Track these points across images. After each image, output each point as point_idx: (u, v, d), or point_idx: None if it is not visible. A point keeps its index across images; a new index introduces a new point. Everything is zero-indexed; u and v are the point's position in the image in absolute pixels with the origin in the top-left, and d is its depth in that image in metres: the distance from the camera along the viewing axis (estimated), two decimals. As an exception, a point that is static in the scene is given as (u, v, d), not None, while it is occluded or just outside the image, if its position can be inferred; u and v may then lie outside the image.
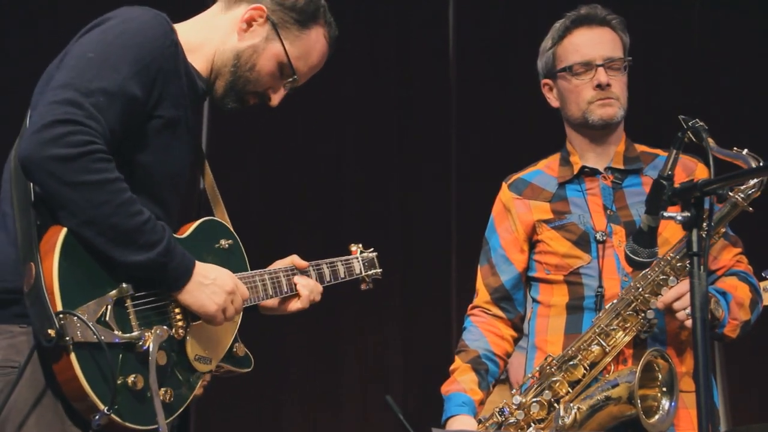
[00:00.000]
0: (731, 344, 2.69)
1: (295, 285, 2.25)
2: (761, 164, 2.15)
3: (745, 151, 2.20)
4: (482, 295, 2.61)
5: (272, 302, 2.26)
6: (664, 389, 2.29)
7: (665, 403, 2.28)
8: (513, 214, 2.58)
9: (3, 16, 4.43)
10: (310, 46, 2.15)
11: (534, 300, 2.58)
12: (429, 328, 4.68)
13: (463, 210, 4.77)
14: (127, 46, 1.88)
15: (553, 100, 2.60)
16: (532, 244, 2.56)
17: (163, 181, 1.99)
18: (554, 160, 2.62)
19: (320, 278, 2.32)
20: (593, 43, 2.50)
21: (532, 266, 2.57)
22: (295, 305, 2.27)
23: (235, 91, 2.11)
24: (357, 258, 2.47)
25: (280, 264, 2.27)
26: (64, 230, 1.80)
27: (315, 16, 2.15)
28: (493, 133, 4.86)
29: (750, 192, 2.25)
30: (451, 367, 2.55)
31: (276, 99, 2.16)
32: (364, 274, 2.47)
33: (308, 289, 2.26)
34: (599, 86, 2.47)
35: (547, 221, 2.52)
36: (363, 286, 2.50)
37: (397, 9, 4.95)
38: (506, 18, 5.00)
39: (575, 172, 2.54)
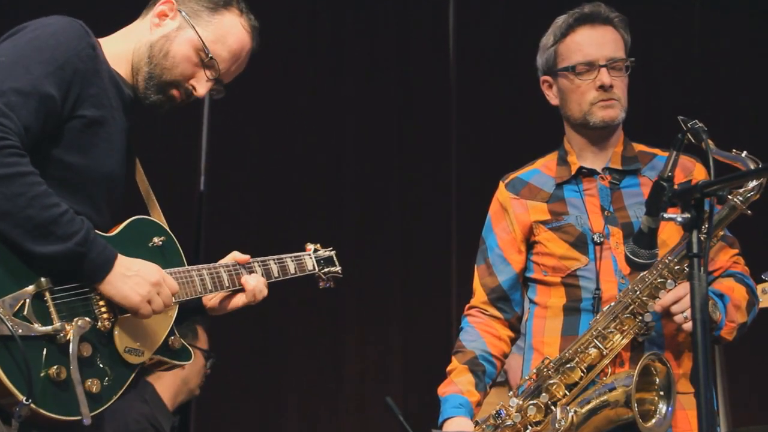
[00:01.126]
0: (731, 346, 2.67)
1: (239, 280, 2.23)
2: (761, 165, 2.13)
3: (744, 153, 2.19)
4: (479, 296, 2.59)
5: (215, 300, 2.25)
6: (662, 393, 2.28)
7: (662, 407, 2.27)
8: (510, 214, 2.57)
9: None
10: (225, 30, 2.16)
11: (531, 301, 2.56)
12: (429, 329, 4.67)
13: (463, 210, 4.76)
14: (40, 48, 1.91)
15: (552, 97, 2.58)
16: (530, 245, 2.55)
17: (91, 181, 2.00)
18: (551, 159, 2.60)
19: (267, 274, 2.30)
20: (597, 43, 2.48)
21: (530, 267, 2.55)
22: (240, 299, 2.24)
23: (154, 81, 2.11)
24: (309, 255, 2.44)
25: (222, 261, 2.26)
26: None
27: (227, 3, 2.18)
28: (493, 133, 4.85)
29: (749, 195, 2.23)
30: (448, 368, 2.54)
31: (200, 88, 2.15)
32: (318, 271, 2.44)
33: (253, 285, 2.23)
34: (602, 87, 2.45)
35: (544, 222, 2.51)
36: (321, 284, 2.48)
37: (397, 8, 4.94)
38: (506, 17, 5.00)
39: (573, 173, 2.53)
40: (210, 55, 2.13)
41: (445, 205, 4.84)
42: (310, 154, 4.73)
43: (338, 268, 2.49)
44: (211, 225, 4.51)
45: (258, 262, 2.30)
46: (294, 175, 4.71)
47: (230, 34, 2.17)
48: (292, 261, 2.38)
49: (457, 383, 2.47)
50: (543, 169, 2.60)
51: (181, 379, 3.57)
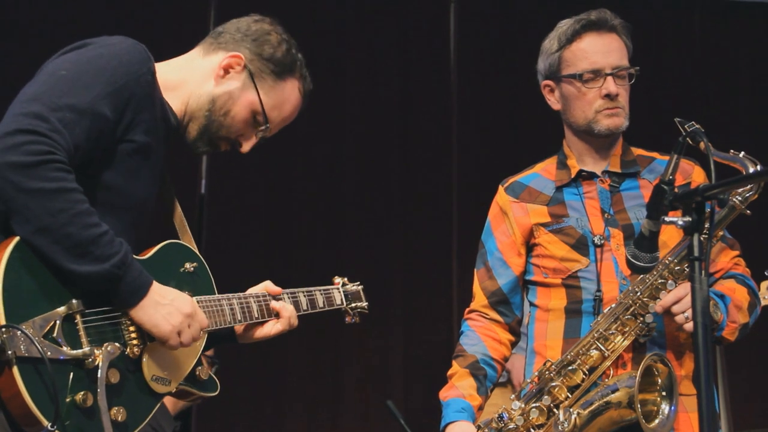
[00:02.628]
0: (733, 349, 2.69)
1: (272, 307, 2.24)
2: (760, 168, 2.14)
3: (742, 153, 2.20)
4: (479, 299, 2.59)
5: (245, 329, 2.26)
6: (664, 393, 2.28)
7: (665, 408, 2.27)
8: (510, 217, 2.57)
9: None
10: (285, 97, 2.18)
11: (531, 304, 2.56)
12: (429, 332, 4.68)
13: (464, 213, 4.77)
14: (102, 68, 1.89)
15: (554, 102, 2.58)
16: (530, 247, 2.55)
17: (129, 205, 1.99)
18: (551, 163, 2.61)
19: (295, 306, 2.31)
20: (603, 51, 2.47)
21: (530, 270, 2.56)
22: (273, 328, 2.26)
23: (208, 135, 2.13)
24: (338, 289, 2.47)
25: (252, 290, 2.26)
26: (14, 242, 1.78)
27: (291, 68, 2.18)
28: (493, 136, 4.86)
29: (747, 195, 2.24)
30: (449, 372, 2.54)
31: (247, 146, 2.18)
32: (345, 306, 2.47)
33: (286, 310, 2.25)
34: (608, 96, 2.45)
35: (544, 225, 2.51)
36: (348, 319, 2.50)
37: (398, 12, 4.95)
38: (506, 20, 5.01)
39: (572, 176, 2.53)
40: (267, 124, 2.15)
41: (445, 208, 4.85)
42: (311, 156, 4.74)
43: (365, 304, 2.51)
44: (212, 228, 4.51)
45: (287, 293, 2.30)
46: (295, 178, 4.72)
47: (288, 101, 2.19)
48: (321, 294, 2.40)
49: (459, 387, 2.48)
50: (542, 173, 2.60)
51: None
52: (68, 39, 2.02)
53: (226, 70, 2.13)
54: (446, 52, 4.98)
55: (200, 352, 2.11)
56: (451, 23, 5.00)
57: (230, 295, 2.18)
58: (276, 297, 2.27)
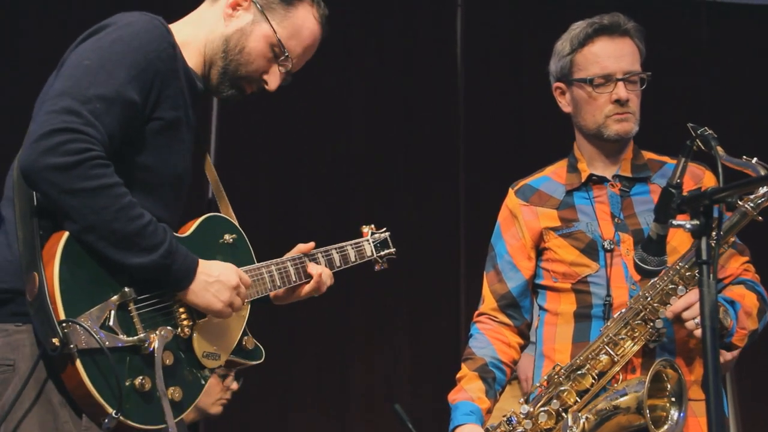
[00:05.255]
0: (742, 354, 2.67)
1: (308, 271, 2.25)
2: (771, 173, 2.13)
3: (755, 159, 2.19)
4: (488, 302, 2.59)
5: (282, 291, 2.27)
6: (673, 399, 2.27)
7: (674, 413, 2.27)
8: (520, 220, 2.56)
9: (12, 25, 4.47)
10: (299, 24, 2.15)
11: (541, 308, 2.56)
12: (437, 335, 4.67)
13: (472, 217, 4.76)
14: (123, 52, 1.89)
15: (564, 105, 2.57)
16: (539, 251, 2.55)
17: (166, 182, 2.00)
18: (561, 166, 2.60)
19: (329, 264, 2.33)
20: (614, 56, 2.46)
21: (539, 274, 2.55)
22: (305, 289, 2.27)
23: (228, 76, 2.11)
24: (368, 240, 2.49)
25: (288, 255, 2.28)
26: (65, 237, 1.82)
27: None
28: (502, 139, 4.86)
29: (760, 201, 2.23)
30: (458, 375, 2.53)
31: (273, 82, 2.15)
32: (375, 255, 2.49)
33: (320, 272, 2.26)
34: (618, 101, 2.44)
35: (554, 229, 2.51)
36: (377, 267, 2.52)
37: (404, 14, 4.96)
38: (513, 21, 5.01)
39: (583, 180, 2.53)
40: (286, 53, 2.12)
41: (453, 211, 4.85)
42: (317, 157, 4.75)
43: (393, 250, 2.53)
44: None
45: (321, 252, 2.32)
46: (301, 179, 4.72)
47: (304, 27, 2.15)
48: (353, 248, 2.42)
49: (468, 390, 2.47)
50: (553, 176, 2.59)
51: None
52: (84, 18, 2.02)
53: (234, 7, 2.12)
54: (453, 56, 4.98)
55: (245, 322, 2.14)
56: (458, 27, 5.00)
57: (269, 262, 2.21)
58: (310, 255, 2.29)
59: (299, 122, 4.65)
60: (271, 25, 2.11)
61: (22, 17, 4.53)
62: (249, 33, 2.11)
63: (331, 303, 4.29)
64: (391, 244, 2.53)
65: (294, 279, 2.24)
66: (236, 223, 2.20)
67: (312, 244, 2.31)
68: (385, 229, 2.54)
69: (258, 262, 2.21)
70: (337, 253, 2.36)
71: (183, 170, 2.05)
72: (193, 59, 2.09)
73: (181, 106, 2.00)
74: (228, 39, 2.10)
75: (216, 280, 1.97)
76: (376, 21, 4.93)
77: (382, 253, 2.51)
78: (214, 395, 3.62)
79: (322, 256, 2.32)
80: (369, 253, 2.46)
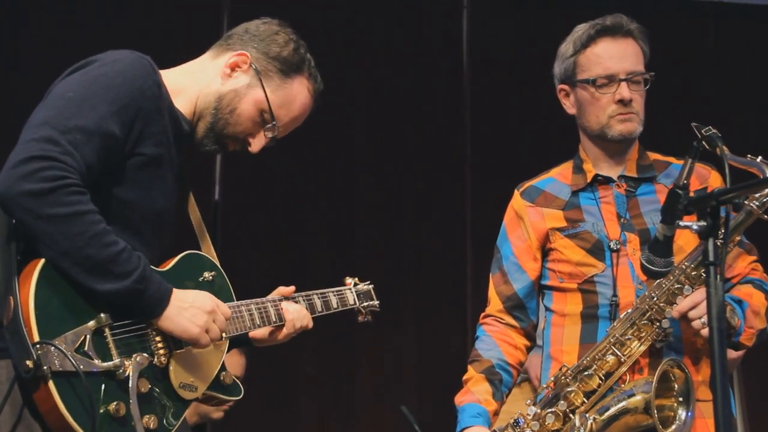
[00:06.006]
0: (749, 353, 2.67)
1: (283, 312, 2.26)
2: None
3: (759, 158, 2.19)
4: (494, 304, 2.59)
5: (262, 333, 2.28)
6: (681, 399, 2.27)
7: (682, 413, 2.26)
8: (525, 221, 2.56)
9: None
10: (292, 96, 2.18)
11: (547, 309, 2.56)
12: (443, 337, 4.67)
13: (478, 218, 4.76)
14: (107, 86, 1.92)
15: (569, 106, 2.57)
16: (545, 252, 2.55)
17: (145, 218, 2.01)
18: (567, 167, 2.60)
19: (311, 308, 2.34)
20: (617, 57, 2.46)
21: (545, 274, 2.55)
22: (283, 332, 2.28)
23: (214, 132, 2.13)
24: (350, 289, 2.49)
25: (269, 297, 2.29)
26: (41, 263, 1.83)
27: (299, 67, 2.18)
28: (507, 141, 4.86)
29: (765, 200, 2.22)
30: (465, 377, 2.53)
31: (256, 146, 2.18)
32: (358, 305, 2.49)
33: (294, 314, 2.27)
34: (621, 102, 2.44)
35: (560, 229, 2.50)
36: (360, 318, 2.53)
37: (410, 17, 4.96)
38: (519, 25, 5.01)
39: (588, 180, 2.53)
40: (274, 121, 2.15)
41: (459, 213, 4.85)
42: (324, 162, 4.75)
43: (376, 302, 2.54)
44: (226, 234, 4.53)
45: (302, 296, 2.33)
46: (308, 184, 4.72)
47: (296, 100, 2.19)
48: (335, 295, 2.43)
49: (475, 392, 2.47)
50: (558, 177, 2.59)
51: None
52: (81, 50, 2.04)
53: (233, 68, 2.14)
54: (459, 58, 4.98)
55: (223, 357, 2.14)
56: (464, 29, 5.00)
57: (248, 301, 2.21)
58: (290, 298, 2.30)
59: (305, 127, 4.65)
60: (265, 92, 2.14)
61: (22, 27, 4.54)
62: (243, 95, 2.13)
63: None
64: (374, 297, 2.54)
65: (274, 319, 2.25)
66: (217, 262, 2.21)
67: (292, 288, 2.33)
68: (369, 281, 2.56)
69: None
70: (319, 298, 2.37)
71: (162, 207, 2.06)
72: (183, 107, 2.11)
73: (164, 143, 2.01)
74: (222, 97, 2.12)
75: (191, 306, 1.97)
76: (382, 24, 4.93)
77: (365, 303, 2.52)
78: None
79: (303, 300, 2.33)
80: (351, 302, 2.47)
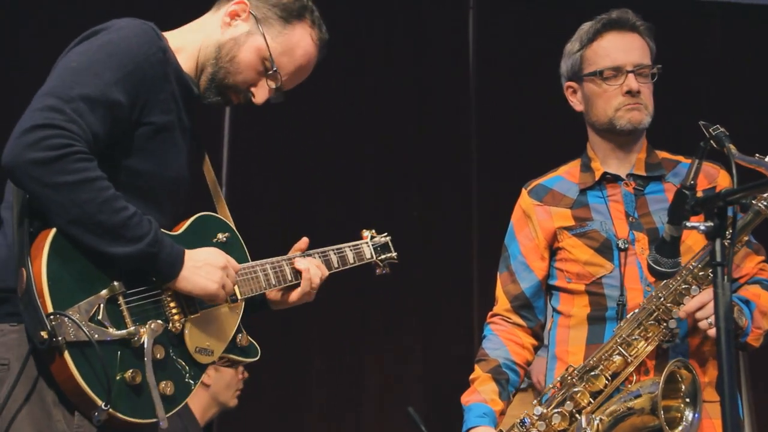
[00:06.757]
0: (757, 354, 2.66)
1: (296, 266, 2.24)
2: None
3: (767, 158, 2.18)
4: (502, 303, 2.58)
5: (278, 294, 2.26)
6: (688, 400, 2.26)
7: (689, 414, 2.25)
8: (533, 220, 2.56)
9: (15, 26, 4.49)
10: (294, 43, 2.14)
11: (554, 310, 2.55)
12: (450, 337, 4.66)
13: (484, 217, 4.76)
14: (111, 54, 1.90)
15: (576, 104, 2.57)
16: (553, 251, 2.54)
17: (159, 186, 2.01)
18: (575, 166, 2.60)
19: (327, 264, 2.31)
20: (624, 49, 2.46)
21: (553, 274, 2.54)
22: (298, 292, 2.24)
23: (215, 83, 2.10)
24: (367, 243, 2.46)
25: (284, 256, 2.27)
26: (52, 233, 1.83)
27: (300, 14, 2.15)
28: (514, 140, 4.85)
29: (773, 200, 2.22)
30: (471, 377, 2.53)
31: (260, 96, 2.14)
32: (375, 258, 2.47)
33: (307, 266, 2.23)
34: (629, 93, 2.43)
35: (568, 228, 2.50)
36: (378, 271, 2.50)
37: (415, 17, 4.96)
38: (525, 24, 5.00)
39: (597, 179, 2.52)
40: (275, 68, 2.11)
41: (465, 213, 4.84)
42: (330, 158, 4.74)
43: (394, 254, 2.51)
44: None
45: (318, 252, 2.31)
46: (315, 177, 4.72)
47: (298, 47, 2.15)
48: (351, 250, 2.40)
49: (481, 392, 2.47)
50: (566, 176, 2.59)
51: (210, 394, 3.58)
52: (85, 22, 2.04)
53: (232, 17, 2.12)
54: (465, 58, 4.97)
55: (239, 318, 2.13)
56: (470, 29, 5.00)
57: (263, 261, 2.20)
58: (306, 254, 2.28)
59: (310, 123, 4.65)
60: (265, 39, 2.11)
61: (22, 27, 4.55)
62: (242, 43, 2.10)
63: (344, 304, 4.30)
64: (392, 248, 2.51)
65: (290, 278, 2.23)
66: (231, 224, 2.20)
67: (306, 240, 2.30)
68: (386, 233, 2.52)
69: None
70: (335, 254, 2.35)
71: (177, 174, 2.05)
72: (187, 63, 2.09)
73: (173, 110, 2.00)
74: (221, 46, 2.10)
75: (204, 264, 1.97)
76: (387, 24, 4.93)
77: (383, 256, 2.49)
78: (233, 387, 3.64)
79: (319, 256, 2.31)
80: (368, 256, 2.45)
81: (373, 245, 2.47)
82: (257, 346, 2.18)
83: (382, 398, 4.61)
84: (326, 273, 2.29)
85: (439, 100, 4.90)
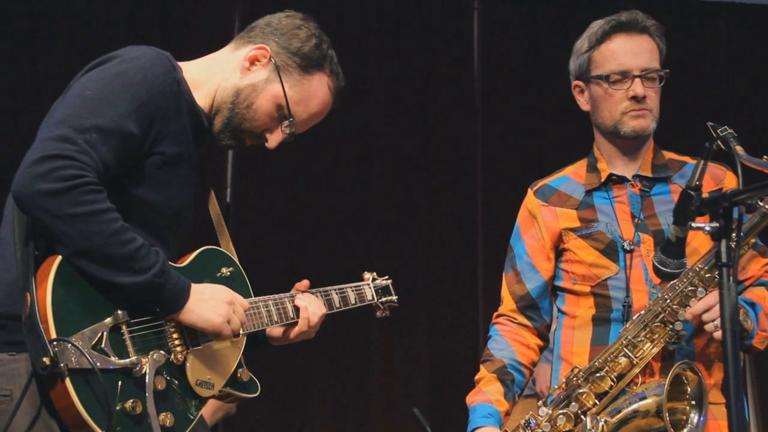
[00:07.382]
0: (763, 356, 2.65)
1: (296, 304, 2.26)
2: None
3: (775, 159, 2.17)
4: (507, 303, 2.58)
5: (279, 330, 2.28)
6: (693, 402, 2.25)
7: (694, 417, 2.25)
8: (539, 221, 2.55)
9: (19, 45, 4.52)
10: (311, 92, 2.15)
11: (559, 310, 2.55)
12: (455, 337, 4.66)
13: (490, 218, 4.75)
14: (126, 85, 1.90)
15: (583, 103, 2.56)
16: (559, 252, 2.53)
17: (164, 216, 2.01)
18: (581, 166, 2.59)
19: (329, 303, 2.34)
20: (632, 53, 2.45)
21: (559, 275, 2.54)
22: (296, 330, 2.27)
23: (231, 127, 2.12)
24: (368, 285, 2.49)
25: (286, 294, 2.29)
26: (59, 259, 1.83)
27: (320, 63, 2.16)
28: (519, 140, 4.85)
29: (780, 202, 2.21)
30: (477, 377, 2.53)
31: (273, 141, 2.16)
32: (376, 300, 2.50)
33: (307, 304, 2.25)
34: (635, 98, 2.42)
35: (574, 230, 2.49)
36: (378, 314, 2.53)
37: (421, 21, 4.96)
38: (531, 26, 4.99)
39: (603, 180, 2.51)
40: (291, 118, 2.13)
41: (470, 213, 4.84)
42: (336, 165, 4.75)
43: (395, 297, 2.54)
44: (238, 236, 4.53)
45: (320, 292, 2.33)
46: (320, 186, 4.73)
47: (315, 96, 2.16)
48: (353, 291, 2.43)
49: (486, 392, 2.46)
50: (572, 176, 2.58)
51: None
52: (96, 46, 2.04)
53: (252, 62, 2.12)
54: (470, 58, 4.97)
55: (241, 353, 2.14)
56: (475, 29, 5.00)
57: (265, 297, 2.21)
58: (306, 293, 2.29)
59: (317, 130, 4.65)
60: (283, 87, 2.11)
61: (40, 27, 4.56)
62: (260, 90, 2.11)
63: (350, 309, 4.29)
64: (392, 291, 2.55)
65: (291, 315, 2.24)
66: (235, 258, 2.21)
67: (307, 282, 2.32)
68: (387, 276, 2.56)
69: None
70: (337, 293, 2.37)
71: (182, 205, 2.05)
72: (202, 101, 2.10)
73: (183, 141, 2.01)
74: (239, 91, 2.10)
75: (210, 297, 1.98)
76: (393, 24, 4.93)
77: (384, 299, 2.52)
78: None
79: (321, 296, 2.32)
80: (369, 297, 2.48)
81: (374, 287, 2.51)
82: (257, 381, 2.19)
83: (387, 398, 4.60)
84: (324, 312, 2.30)
85: (443, 101, 4.90)
